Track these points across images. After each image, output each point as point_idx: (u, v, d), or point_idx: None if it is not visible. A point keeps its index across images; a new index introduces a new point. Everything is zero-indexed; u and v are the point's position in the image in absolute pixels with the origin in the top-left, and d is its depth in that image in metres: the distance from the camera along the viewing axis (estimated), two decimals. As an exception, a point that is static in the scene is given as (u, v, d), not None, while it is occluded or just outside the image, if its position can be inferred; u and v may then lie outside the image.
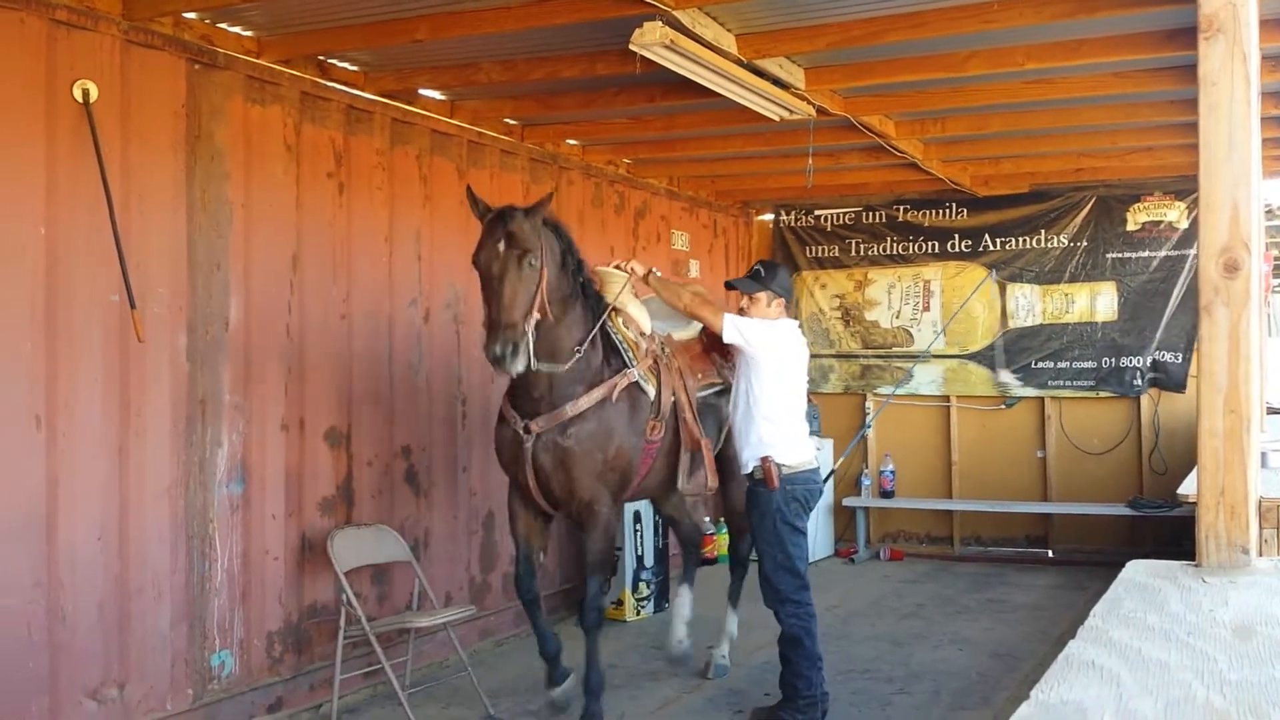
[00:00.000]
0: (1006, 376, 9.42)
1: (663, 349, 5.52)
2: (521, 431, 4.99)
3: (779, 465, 5.10)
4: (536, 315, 4.71)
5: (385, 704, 5.65)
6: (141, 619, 4.74)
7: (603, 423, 5.05)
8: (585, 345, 5.02)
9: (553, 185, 7.46)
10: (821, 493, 5.47)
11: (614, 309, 5.27)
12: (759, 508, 5.17)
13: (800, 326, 5.49)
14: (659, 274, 5.45)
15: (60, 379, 4.43)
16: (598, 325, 5.13)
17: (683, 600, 6.11)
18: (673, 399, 5.42)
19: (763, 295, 5.28)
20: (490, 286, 4.67)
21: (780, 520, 5.11)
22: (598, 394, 5.03)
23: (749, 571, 6.01)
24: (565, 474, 5.00)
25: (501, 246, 4.66)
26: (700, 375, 5.71)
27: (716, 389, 5.80)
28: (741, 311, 5.34)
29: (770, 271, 5.40)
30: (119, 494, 4.66)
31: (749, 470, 5.22)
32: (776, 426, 5.16)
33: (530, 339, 4.66)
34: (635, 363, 5.24)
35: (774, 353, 5.19)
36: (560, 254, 4.92)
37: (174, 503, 4.90)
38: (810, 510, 5.27)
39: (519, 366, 4.63)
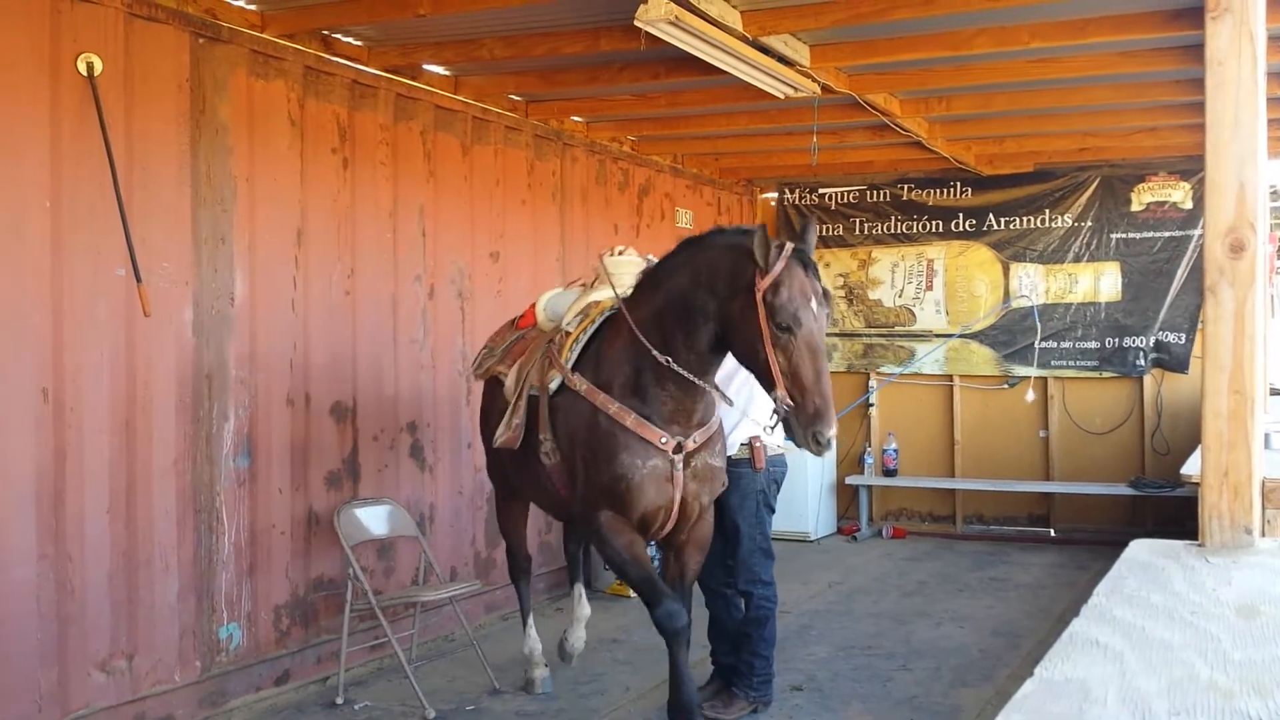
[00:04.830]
0: (1025, 369, 9.36)
1: None
2: (672, 454, 4.39)
3: (765, 447, 5.05)
4: None
5: (391, 677, 5.69)
6: (149, 592, 4.78)
7: (719, 430, 4.69)
8: None
9: (557, 162, 7.47)
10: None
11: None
12: (740, 489, 5.03)
13: None
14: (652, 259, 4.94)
15: (67, 353, 4.44)
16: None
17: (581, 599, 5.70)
18: None
19: None
20: (818, 359, 4.01)
21: (761, 502, 5.09)
22: (715, 400, 4.59)
23: None
24: (709, 493, 4.58)
25: (822, 308, 4.04)
26: None
27: None
28: None
29: None
30: (126, 467, 4.68)
31: (732, 450, 5.04)
32: (762, 407, 5.05)
33: None
34: None
35: None
36: None
37: (181, 477, 4.92)
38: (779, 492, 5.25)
39: None
